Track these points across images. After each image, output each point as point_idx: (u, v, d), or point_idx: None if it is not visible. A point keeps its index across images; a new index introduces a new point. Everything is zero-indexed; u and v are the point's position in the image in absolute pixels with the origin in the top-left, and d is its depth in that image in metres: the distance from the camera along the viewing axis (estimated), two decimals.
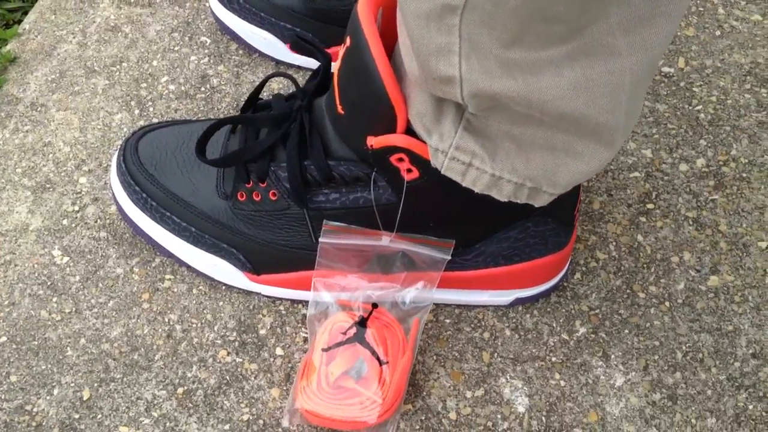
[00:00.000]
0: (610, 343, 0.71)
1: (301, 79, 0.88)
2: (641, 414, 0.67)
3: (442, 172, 0.59)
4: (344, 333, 0.65)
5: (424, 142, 0.59)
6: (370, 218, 0.65)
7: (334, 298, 0.67)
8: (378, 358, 0.64)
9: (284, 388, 0.67)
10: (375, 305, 0.66)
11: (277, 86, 0.88)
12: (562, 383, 0.69)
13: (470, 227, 0.66)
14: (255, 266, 0.70)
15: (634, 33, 0.51)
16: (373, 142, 0.60)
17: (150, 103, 0.85)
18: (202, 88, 0.87)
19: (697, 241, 0.77)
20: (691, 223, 0.78)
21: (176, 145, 0.73)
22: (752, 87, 0.90)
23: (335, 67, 0.63)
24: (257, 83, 0.87)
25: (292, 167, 0.65)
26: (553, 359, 0.70)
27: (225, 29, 0.90)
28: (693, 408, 0.67)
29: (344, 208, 0.65)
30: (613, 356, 0.70)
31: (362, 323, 0.65)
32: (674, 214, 0.79)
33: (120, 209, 0.73)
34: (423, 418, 0.66)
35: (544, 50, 0.51)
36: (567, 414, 0.67)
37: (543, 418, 0.67)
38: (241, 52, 0.90)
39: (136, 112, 0.85)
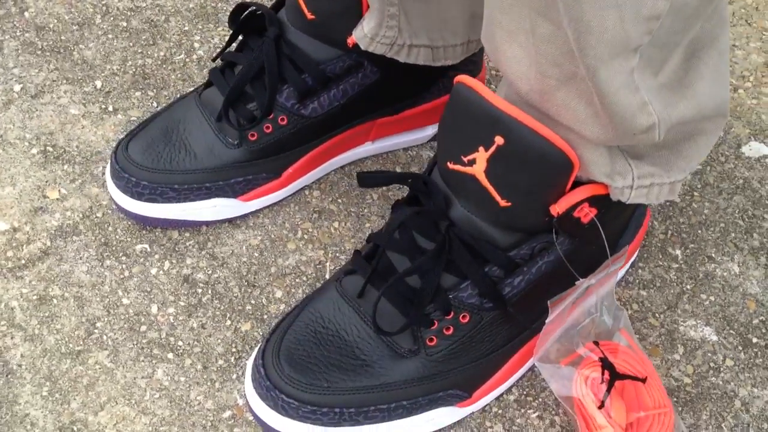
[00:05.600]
0: (686, 240, 0.82)
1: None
2: None
3: (629, 202, 0.64)
4: (602, 381, 0.67)
5: (602, 184, 0.63)
6: (552, 277, 0.67)
7: (560, 360, 0.68)
8: (638, 379, 0.68)
9: None
10: (596, 342, 0.69)
11: None
12: (712, 298, 0.78)
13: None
14: (470, 391, 0.68)
15: (713, 15, 0.59)
16: (558, 208, 0.62)
17: (172, 338, 0.74)
18: (198, 291, 0.77)
19: None
20: None
21: (313, 337, 0.66)
22: None
23: (478, 171, 0.62)
24: (238, 248, 0.79)
25: (477, 282, 0.64)
26: (688, 286, 0.79)
27: (158, 222, 0.79)
28: None
29: (529, 284, 0.66)
30: (691, 250, 0.81)
31: (606, 362, 0.68)
32: None
33: None
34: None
35: (671, 60, 0.58)
36: (741, 316, 0.77)
37: (733, 332, 0.76)
38: (187, 234, 0.81)
39: (170, 356, 0.73)
